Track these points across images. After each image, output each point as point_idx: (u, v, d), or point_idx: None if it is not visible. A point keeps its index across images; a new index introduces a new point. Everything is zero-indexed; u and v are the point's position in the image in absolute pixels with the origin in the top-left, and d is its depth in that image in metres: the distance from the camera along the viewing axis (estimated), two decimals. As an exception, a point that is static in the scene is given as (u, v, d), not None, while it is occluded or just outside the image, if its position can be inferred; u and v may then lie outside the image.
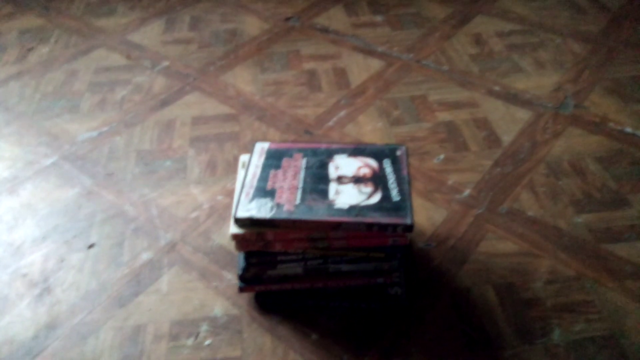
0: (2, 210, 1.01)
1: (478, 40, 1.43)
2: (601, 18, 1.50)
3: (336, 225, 0.71)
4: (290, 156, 0.81)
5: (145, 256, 0.91)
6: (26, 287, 0.87)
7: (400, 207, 0.72)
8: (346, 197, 0.74)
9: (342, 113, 1.20)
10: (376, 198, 0.73)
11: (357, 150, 0.82)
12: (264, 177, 0.77)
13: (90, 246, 0.93)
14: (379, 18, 1.54)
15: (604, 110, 1.18)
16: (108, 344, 0.79)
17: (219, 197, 1.01)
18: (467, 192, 1.00)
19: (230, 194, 1.01)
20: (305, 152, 0.82)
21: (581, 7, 1.56)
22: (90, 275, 0.88)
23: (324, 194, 0.74)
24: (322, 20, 1.55)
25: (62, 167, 1.09)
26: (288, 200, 0.73)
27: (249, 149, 1.11)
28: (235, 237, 0.73)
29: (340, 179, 0.77)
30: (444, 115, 1.18)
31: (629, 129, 1.12)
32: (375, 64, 1.35)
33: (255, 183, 0.77)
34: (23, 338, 0.80)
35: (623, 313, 0.80)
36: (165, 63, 1.39)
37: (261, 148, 0.83)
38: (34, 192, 1.04)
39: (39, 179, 1.07)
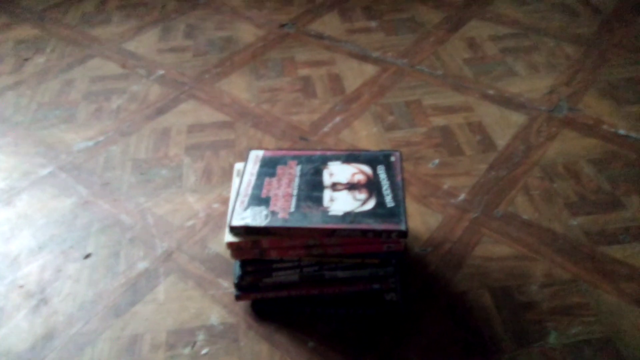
0: (-1, 221, 1.01)
1: (472, 44, 1.43)
2: (594, 21, 1.51)
3: (331, 232, 0.71)
4: (285, 164, 0.81)
5: (141, 265, 0.91)
6: (23, 298, 0.87)
7: (394, 213, 0.72)
8: (341, 203, 0.74)
9: (337, 119, 1.20)
10: (370, 204, 0.74)
11: (351, 157, 0.82)
12: (258, 185, 0.78)
13: (87, 256, 0.93)
14: (373, 24, 1.55)
15: (597, 112, 1.18)
16: (105, 354, 0.79)
17: (215, 205, 1.01)
18: (462, 196, 1.00)
19: (226, 201, 1.02)
20: (299, 160, 0.82)
21: (574, 10, 1.57)
22: (86, 286, 0.88)
23: (319, 201, 0.75)
24: (316, 26, 1.55)
25: (58, 177, 1.09)
26: (283, 207, 0.74)
27: (245, 157, 1.11)
28: (230, 245, 0.73)
29: (334, 186, 0.77)
30: (438, 120, 1.18)
31: (622, 131, 1.13)
32: (370, 70, 1.36)
33: (250, 191, 0.77)
34: (20, 349, 0.80)
35: (619, 315, 0.80)
36: (161, 71, 1.39)
37: (256, 156, 0.83)
38: (30, 202, 1.04)
39: (35, 189, 1.07)
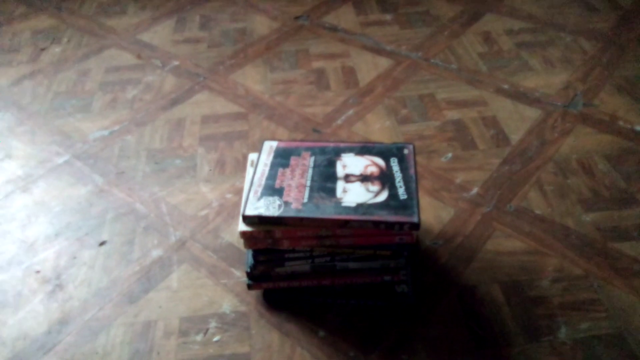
0: (16, 208, 1.02)
1: (487, 38, 1.42)
2: (612, 16, 1.49)
3: (343, 223, 0.72)
4: (299, 155, 0.82)
5: (155, 253, 0.92)
6: (39, 284, 0.89)
7: (407, 206, 0.72)
8: (353, 195, 0.74)
9: (351, 112, 1.20)
10: (383, 196, 0.74)
11: (364, 149, 0.82)
12: (272, 176, 0.78)
13: (102, 243, 0.95)
14: (387, 17, 1.55)
15: (613, 108, 1.17)
16: (119, 339, 0.80)
17: (228, 195, 1.02)
18: (474, 190, 1.00)
19: (239, 192, 1.02)
20: (313, 151, 0.82)
21: (592, 4, 1.55)
22: (101, 272, 0.90)
23: (332, 192, 0.75)
24: (331, 19, 1.55)
25: (74, 165, 1.11)
26: (296, 198, 0.74)
27: (258, 148, 1.12)
28: (243, 234, 0.74)
29: (347, 178, 0.77)
30: (452, 114, 1.18)
31: (638, 128, 1.12)
32: (384, 63, 1.35)
33: (263, 181, 0.77)
34: (36, 333, 0.82)
35: (630, 312, 0.80)
36: (176, 62, 1.40)
37: (270, 146, 0.84)
38: (47, 190, 1.06)
39: (52, 177, 1.08)
